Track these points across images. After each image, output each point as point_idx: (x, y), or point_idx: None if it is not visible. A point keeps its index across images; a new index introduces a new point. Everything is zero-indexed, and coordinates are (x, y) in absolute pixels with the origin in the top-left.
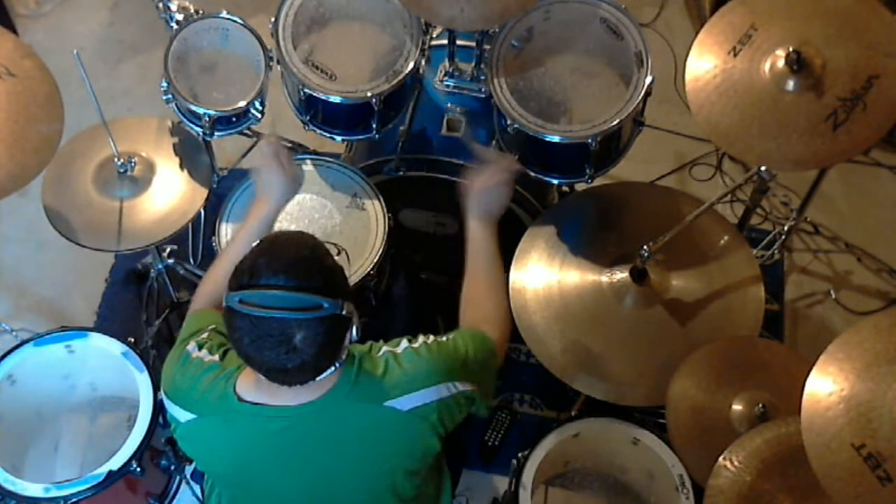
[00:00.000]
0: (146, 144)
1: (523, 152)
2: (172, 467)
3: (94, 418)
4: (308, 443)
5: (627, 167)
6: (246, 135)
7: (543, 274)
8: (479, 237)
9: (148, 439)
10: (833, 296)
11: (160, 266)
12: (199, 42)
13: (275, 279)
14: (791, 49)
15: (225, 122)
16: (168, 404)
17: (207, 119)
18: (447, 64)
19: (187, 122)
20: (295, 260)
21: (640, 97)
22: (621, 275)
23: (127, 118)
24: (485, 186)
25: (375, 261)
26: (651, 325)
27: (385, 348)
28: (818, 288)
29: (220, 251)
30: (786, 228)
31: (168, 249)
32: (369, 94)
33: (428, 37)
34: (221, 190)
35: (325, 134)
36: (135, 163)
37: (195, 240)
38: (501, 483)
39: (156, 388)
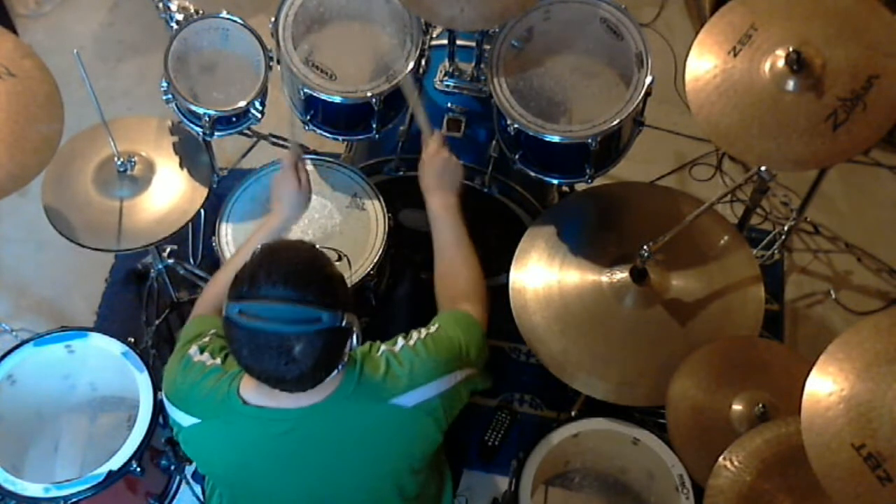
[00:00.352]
0: (146, 144)
1: (523, 152)
2: (172, 467)
3: (94, 418)
4: (311, 445)
5: (627, 167)
6: (246, 135)
7: (543, 274)
8: (440, 214)
9: (148, 439)
10: (833, 296)
11: (160, 266)
12: (199, 42)
13: (273, 291)
14: (791, 49)
15: (225, 122)
16: (170, 408)
17: (207, 119)
18: (447, 64)
19: (187, 122)
20: (294, 271)
21: (640, 97)
22: (621, 275)
23: (127, 118)
24: (426, 163)
25: (375, 261)
26: (651, 325)
27: (384, 347)
28: (818, 288)
29: (226, 259)
30: (786, 228)
31: (168, 249)
32: (369, 94)
33: (428, 37)
34: (221, 190)
35: (325, 134)
36: (135, 162)
37: (195, 240)
38: (501, 483)
39: (156, 388)
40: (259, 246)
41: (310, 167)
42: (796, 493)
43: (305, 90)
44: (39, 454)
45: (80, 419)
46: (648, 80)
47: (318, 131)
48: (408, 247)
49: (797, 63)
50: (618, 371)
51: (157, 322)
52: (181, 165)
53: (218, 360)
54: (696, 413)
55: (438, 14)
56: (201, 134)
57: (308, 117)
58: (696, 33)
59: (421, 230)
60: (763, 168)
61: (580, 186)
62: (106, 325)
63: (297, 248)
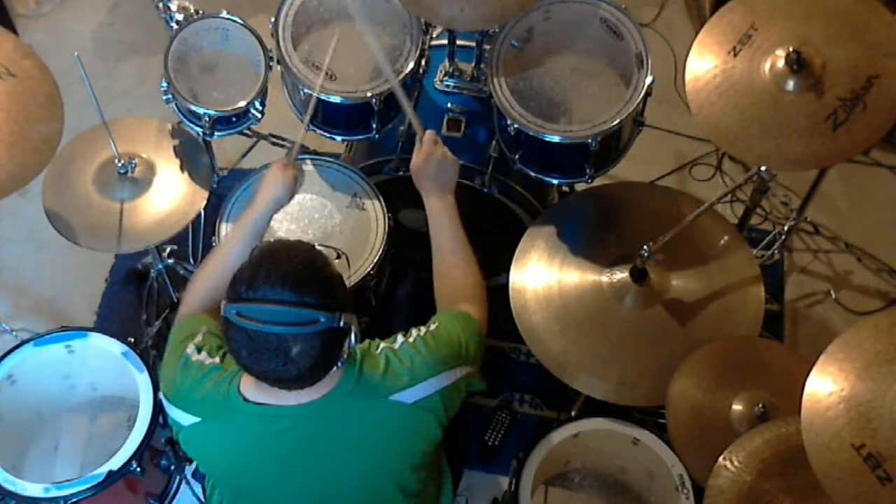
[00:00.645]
0: (147, 146)
1: (523, 152)
2: (172, 467)
3: (94, 418)
4: (311, 442)
5: (627, 167)
6: (246, 135)
7: (543, 274)
8: (437, 213)
9: (148, 439)
10: (833, 296)
11: (160, 266)
12: (199, 42)
13: (272, 292)
14: (791, 49)
15: (225, 122)
16: (169, 408)
17: (207, 119)
18: (447, 64)
19: (187, 123)
20: (292, 273)
21: (640, 97)
22: (621, 275)
23: (127, 119)
24: (421, 162)
25: (375, 261)
26: (651, 325)
27: (383, 345)
28: (818, 288)
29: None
30: (786, 228)
31: (168, 249)
32: (369, 94)
33: (428, 37)
34: (221, 190)
35: (325, 134)
36: (135, 164)
37: (195, 240)
38: (501, 483)
39: (156, 388)
40: (258, 246)
41: (310, 167)
42: (796, 493)
43: (305, 90)
44: (39, 454)
45: (80, 419)
46: (648, 80)
47: (318, 131)
48: (408, 247)
49: (797, 63)
50: (618, 371)
51: (157, 322)
52: (182, 168)
53: (217, 359)
54: (696, 413)
55: (438, 14)
56: (201, 134)
57: (300, 114)
58: (696, 33)
59: (421, 230)
60: (763, 168)
61: (580, 186)
62: (106, 325)
63: (295, 249)
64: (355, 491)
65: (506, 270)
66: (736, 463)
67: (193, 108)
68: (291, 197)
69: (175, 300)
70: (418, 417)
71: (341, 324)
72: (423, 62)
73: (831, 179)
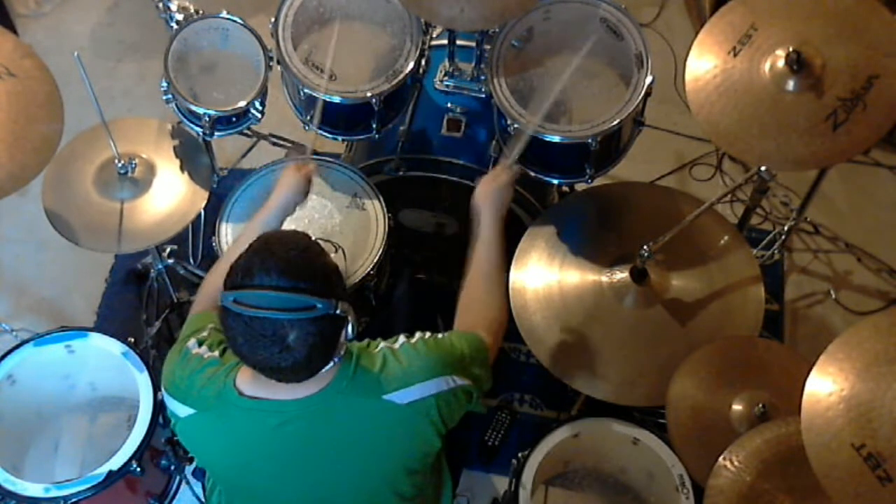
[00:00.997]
0: (147, 146)
1: (523, 152)
2: (172, 467)
3: (94, 418)
4: (306, 438)
5: (627, 167)
6: (246, 135)
7: (543, 274)
8: (486, 233)
9: (148, 439)
10: (833, 296)
11: (160, 266)
12: (199, 42)
13: (268, 279)
14: (791, 49)
15: (225, 122)
16: (167, 399)
17: (207, 119)
18: (447, 64)
19: (187, 122)
20: (288, 259)
21: (640, 97)
22: (621, 275)
23: (127, 119)
24: (490, 179)
25: (375, 261)
26: (651, 325)
27: (383, 345)
28: (818, 288)
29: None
30: (786, 228)
31: (168, 249)
32: (369, 94)
33: (428, 37)
34: (221, 190)
35: (325, 134)
36: (135, 164)
37: (195, 240)
38: (501, 483)
39: (156, 388)
40: (256, 237)
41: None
42: (796, 493)
43: (305, 90)
44: (39, 454)
45: (80, 419)
46: (648, 80)
47: (319, 131)
48: (408, 247)
49: (797, 63)
50: (618, 371)
51: (157, 322)
52: (182, 168)
53: (216, 353)
54: (696, 413)
55: (438, 14)
56: (201, 134)
57: (308, 117)
58: (696, 33)
59: (421, 230)
60: (763, 168)
61: (580, 186)
62: (106, 325)
63: (292, 238)
64: (350, 492)
65: (506, 270)
66: (736, 463)
67: (193, 108)
68: (305, 196)
69: (175, 300)
70: (411, 419)
71: (338, 311)
72: (423, 62)
73: (831, 179)
